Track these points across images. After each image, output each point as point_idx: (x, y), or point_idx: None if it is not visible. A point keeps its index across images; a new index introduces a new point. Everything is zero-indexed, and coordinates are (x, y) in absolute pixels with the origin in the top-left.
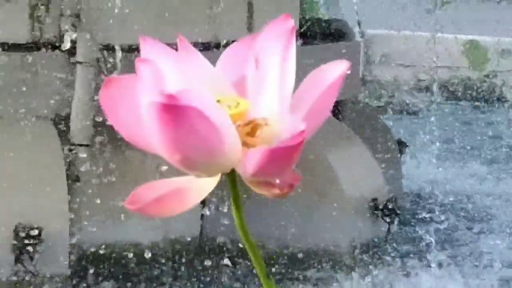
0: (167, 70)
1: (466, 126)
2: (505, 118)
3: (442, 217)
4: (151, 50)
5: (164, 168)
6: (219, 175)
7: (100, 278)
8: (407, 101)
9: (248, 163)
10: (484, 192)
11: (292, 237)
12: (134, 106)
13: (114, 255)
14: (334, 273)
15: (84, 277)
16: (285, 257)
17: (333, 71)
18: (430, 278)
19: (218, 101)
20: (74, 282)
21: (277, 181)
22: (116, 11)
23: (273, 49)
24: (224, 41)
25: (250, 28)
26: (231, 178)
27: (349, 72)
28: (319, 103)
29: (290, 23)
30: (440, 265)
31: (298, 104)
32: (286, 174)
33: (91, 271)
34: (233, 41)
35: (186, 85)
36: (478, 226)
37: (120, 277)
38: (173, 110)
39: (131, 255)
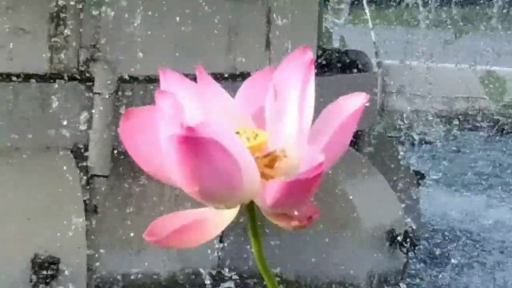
0: (187, 102)
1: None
2: None
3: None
4: (170, 82)
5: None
6: (238, 207)
7: None
8: (425, 132)
9: (266, 195)
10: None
11: (310, 269)
12: (153, 138)
13: (131, 286)
14: None
15: None
16: None
17: (352, 104)
18: None
19: (237, 133)
20: None
21: (296, 213)
22: (134, 42)
23: (292, 81)
24: (242, 72)
25: (269, 60)
26: (250, 209)
27: (367, 104)
28: (337, 135)
29: (309, 55)
30: None
31: (317, 135)
32: (305, 206)
33: None
34: (250, 73)
35: (205, 117)
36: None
37: None
38: (192, 143)
39: (147, 285)
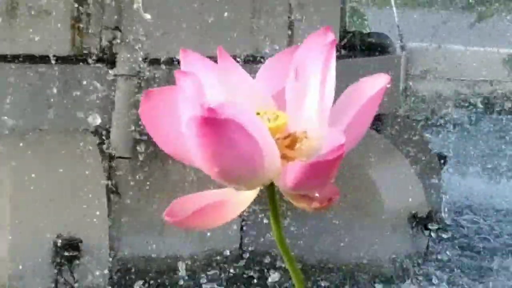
0: (207, 82)
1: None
2: None
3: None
4: (192, 63)
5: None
6: (258, 188)
7: None
8: (449, 115)
9: (287, 176)
10: None
11: (332, 252)
12: (174, 119)
13: (153, 267)
14: None
15: None
16: (324, 271)
17: (374, 85)
18: None
19: (257, 114)
20: None
21: (316, 194)
22: (157, 24)
23: (313, 62)
24: (265, 53)
25: (290, 42)
26: (270, 191)
27: (389, 85)
28: (359, 117)
29: (331, 36)
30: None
31: (338, 117)
32: (326, 187)
33: (130, 283)
34: (270, 55)
35: (226, 98)
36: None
37: None
38: (213, 124)
39: (169, 267)
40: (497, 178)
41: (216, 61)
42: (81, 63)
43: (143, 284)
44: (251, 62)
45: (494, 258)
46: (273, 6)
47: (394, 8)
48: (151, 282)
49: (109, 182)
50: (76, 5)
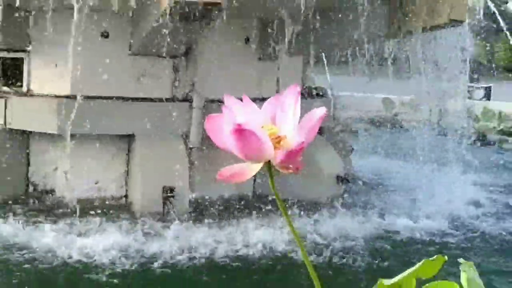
0: (237, 111)
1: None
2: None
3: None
4: (230, 102)
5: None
6: (262, 163)
7: (205, 215)
8: (354, 127)
9: (276, 158)
10: None
11: (295, 193)
12: (221, 129)
13: (212, 201)
14: (320, 215)
15: (201, 214)
16: (289, 204)
17: (318, 113)
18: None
19: (262, 127)
20: (192, 216)
21: (291, 166)
22: (214, 80)
23: (289, 101)
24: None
25: (278, 90)
26: (268, 165)
27: (326, 113)
28: (311, 129)
29: (297, 89)
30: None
31: (301, 129)
32: (296, 162)
33: (199, 211)
34: (268, 97)
35: (246, 119)
36: None
37: (217, 212)
38: (239, 132)
39: (218, 203)
40: (376, 158)
41: (241, 100)
42: (175, 102)
43: (207, 211)
44: (259, 100)
45: (376, 192)
46: (269, 75)
47: (328, 75)
48: (212, 210)
49: (189, 160)
50: (174, 73)
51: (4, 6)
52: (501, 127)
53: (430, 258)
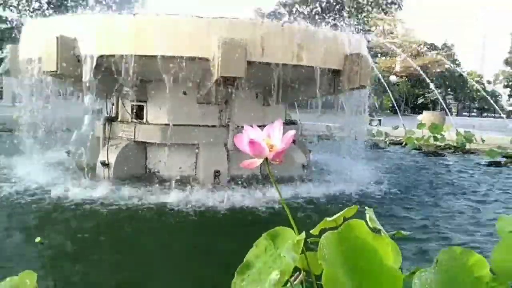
0: (250, 132)
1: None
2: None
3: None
4: (248, 127)
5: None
6: (263, 158)
7: (236, 185)
8: (314, 140)
9: (270, 155)
10: None
11: (278, 173)
12: (243, 142)
13: (239, 177)
14: (294, 185)
15: (235, 184)
16: (277, 178)
17: (291, 133)
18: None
19: (263, 140)
20: (230, 185)
21: (278, 159)
22: (239, 115)
23: (277, 127)
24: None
25: (272, 121)
26: (266, 160)
27: (295, 133)
28: (288, 141)
29: (281, 121)
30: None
31: (283, 141)
32: (280, 158)
33: (233, 182)
34: (266, 125)
35: (255, 136)
36: None
37: (241, 183)
38: (252, 143)
39: (244, 178)
40: (322, 156)
41: (252, 126)
42: (220, 127)
43: (236, 183)
44: (262, 127)
45: (322, 172)
46: (267, 113)
47: (297, 113)
48: (239, 182)
49: (228, 158)
50: (217, 113)
51: (137, 79)
52: (386, 140)
53: (350, 207)
